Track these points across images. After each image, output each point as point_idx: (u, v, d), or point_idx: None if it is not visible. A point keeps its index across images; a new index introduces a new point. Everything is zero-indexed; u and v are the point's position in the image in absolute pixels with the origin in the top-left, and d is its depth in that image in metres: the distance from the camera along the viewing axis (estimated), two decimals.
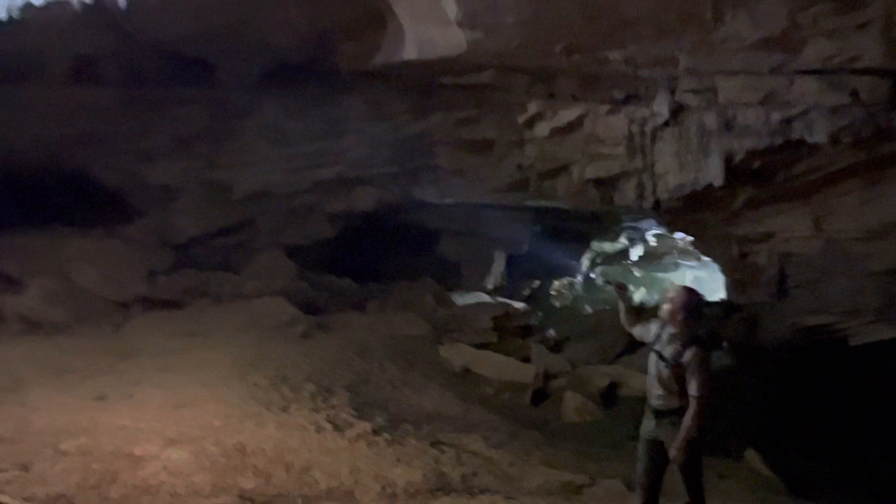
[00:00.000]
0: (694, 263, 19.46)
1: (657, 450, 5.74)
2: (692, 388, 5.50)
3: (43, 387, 8.12)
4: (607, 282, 17.37)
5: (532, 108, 11.26)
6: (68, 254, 11.59)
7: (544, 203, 13.31)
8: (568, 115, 11.01)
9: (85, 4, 9.09)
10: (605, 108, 10.68)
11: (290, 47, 12.55)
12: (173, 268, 12.52)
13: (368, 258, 15.03)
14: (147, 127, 12.86)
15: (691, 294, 5.80)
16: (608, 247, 19.10)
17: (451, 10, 8.69)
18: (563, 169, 11.94)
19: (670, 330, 5.68)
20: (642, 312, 6.21)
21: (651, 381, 5.75)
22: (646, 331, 5.92)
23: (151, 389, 8.15)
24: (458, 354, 11.41)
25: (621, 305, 6.13)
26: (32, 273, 11.16)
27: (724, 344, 12.70)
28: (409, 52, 10.29)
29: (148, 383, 8.39)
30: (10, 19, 9.14)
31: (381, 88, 12.72)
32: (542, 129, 11.35)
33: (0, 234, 11.62)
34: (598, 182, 11.53)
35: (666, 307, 5.70)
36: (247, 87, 13.14)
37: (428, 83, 12.05)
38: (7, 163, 12.10)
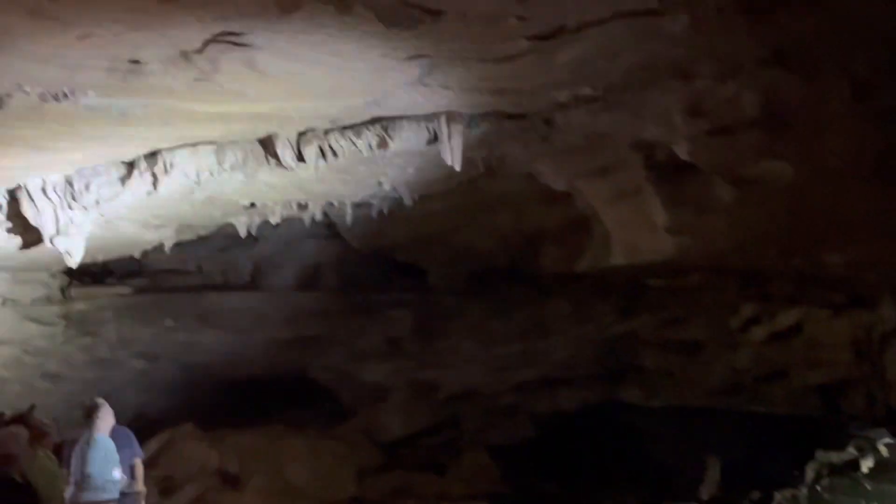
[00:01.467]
0: None
1: None
2: None
3: None
4: None
5: (746, 311, 10.91)
6: (283, 452, 11.96)
7: (760, 408, 12.59)
8: (785, 318, 10.59)
9: (314, 220, 9.81)
10: (827, 312, 10.18)
11: (496, 252, 12.97)
12: (382, 468, 12.65)
13: (573, 462, 14.58)
14: (361, 329, 13.45)
15: None
16: (834, 457, 17.60)
17: (660, 216, 8.72)
18: (782, 374, 11.33)
19: None
20: None
21: None
22: None
23: None
24: None
25: None
26: (250, 471, 11.57)
27: None
28: (616, 257, 10.32)
29: None
30: (249, 235, 10.04)
31: (586, 290, 12.78)
32: (757, 332, 10.95)
33: (222, 432, 12.22)
34: (821, 389, 10.83)
35: None
36: (454, 289, 13.61)
37: (634, 285, 11.99)
38: (234, 365, 12.93)
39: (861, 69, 6.36)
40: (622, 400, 14.00)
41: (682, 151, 7.45)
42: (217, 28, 4.84)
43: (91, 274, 11.28)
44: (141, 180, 8.19)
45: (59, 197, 7.83)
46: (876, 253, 8.43)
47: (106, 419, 6.94)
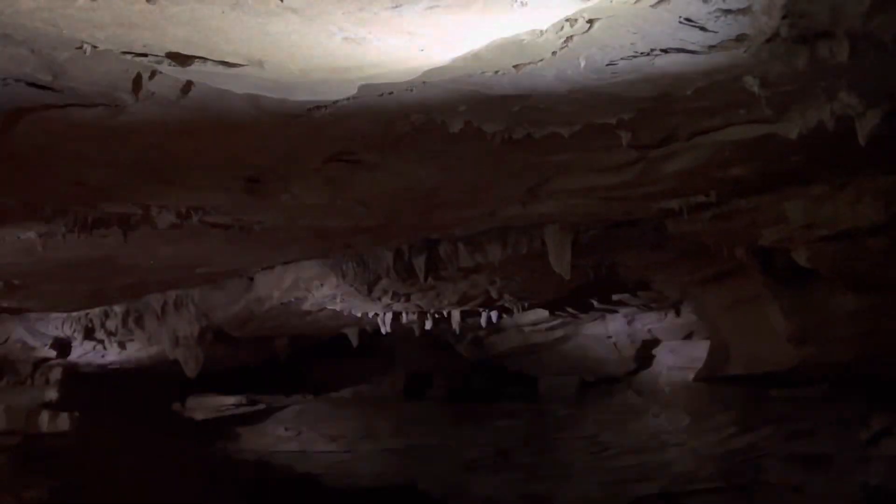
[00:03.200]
0: None
1: None
2: None
3: None
4: None
5: (875, 422, 10.31)
6: None
7: None
8: None
9: (424, 330, 9.88)
10: None
11: (609, 359, 12.71)
12: None
13: None
14: (471, 439, 13.27)
15: None
16: None
17: (780, 325, 8.42)
18: None
19: None
20: None
21: None
22: None
23: None
24: None
25: None
26: None
27: None
28: (735, 367, 9.99)
29: None
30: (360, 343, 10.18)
31: (704, 400, 12.33)
32: (889, 445, 10.29)
33: None
34: None
35: None
36: (565, 399, 13.36)
37: (755, 395, 11.53)
38: (344, 475, 12.95)
39: None
40: None
41: (800, 258, 7.22)
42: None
43: (208, 384, 11.59)
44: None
45: None
46: None
47: None
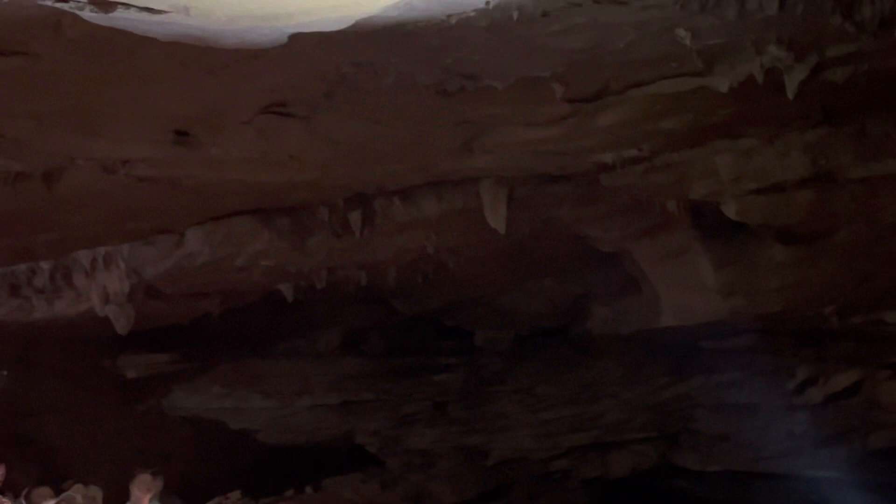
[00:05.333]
0: None
1: None
2: None
3: None
4: None
5: (802, 372, 10.63)
6: None
7: (822, 472, 12.16)
8: (843, 380, 10.28)
9: (360, 286, 9.84)
10: (886, 372, 9.88)
11: (544, 314, 12.85)
12: None
13: None
14: (407, 393, 13.33)
15: None
16: None
17: (710, 277, 8.57)
18: (842, 437, 10.96)
19: None
20: None
21: None
22: None
23: None
24: None
25: None
26: None
27: None
28: (667, 319, 10.14)
29: None
30: (295, 300, 10.08)
31: (636, 352, 12.57)
32: (814, 394, 10.63)
33: (269, 500, 12.12)
34: (883, 452, 10.45)
35: None
36: (501, 352, 13.49)
37: (686, 346, 11.76)
38: (281, 431, 12.93)
39: None
40: (677, 465, 13.64)
41: (730, 211, 7.35)
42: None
43: (139, 341, 11.39)
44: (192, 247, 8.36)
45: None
46: None
47: (146, 489, 6.94)
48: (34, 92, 4.42)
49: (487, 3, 3.59)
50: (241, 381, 12.66)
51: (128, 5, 3.30)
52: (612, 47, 4.40)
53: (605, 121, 5.95)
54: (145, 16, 3.41)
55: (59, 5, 3.27)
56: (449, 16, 3.71)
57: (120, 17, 3.42)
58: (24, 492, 7.26)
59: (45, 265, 8.93)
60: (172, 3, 3.31)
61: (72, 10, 3.34)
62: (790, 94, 5.08)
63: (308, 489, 12.86)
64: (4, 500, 7.05)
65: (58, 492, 7.06)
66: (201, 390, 12.63)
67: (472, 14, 3.71)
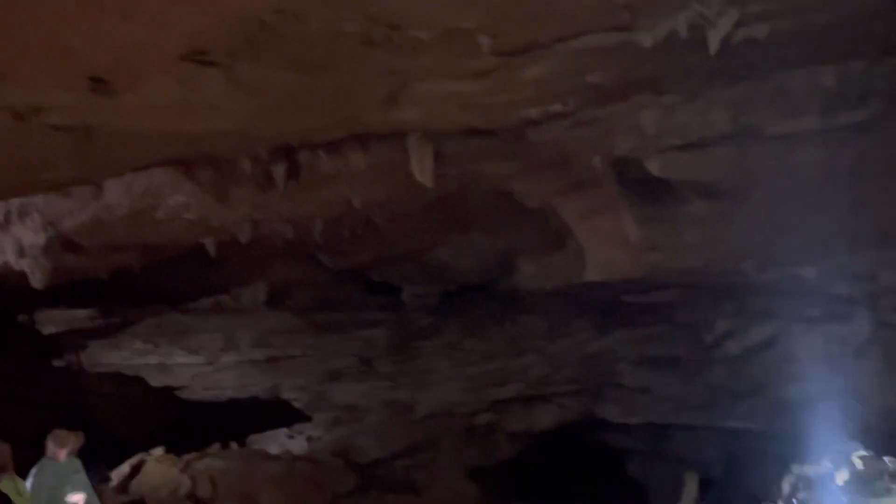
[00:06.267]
0: None
1: None
2: None
3: None
4: None
5: (720, 326, 10.90)
6: (256, 476, 11.80)
7: (738, 423, 12.56)
8: (759, 333, 10.58)
9: (286, 240, 9.72)
10: (800, 325, 10.18)
11: (471, 269, 12.89)
12: (357, 490, 12.50)
13: (551, 480, 14.50)
14: (334, 349, 13.30)
15: None
16: (810, 470, 17.64)
17: (633, 232, 8.68)
18: (758, 388, 11.31)
19: None
20: None
21: None
22: None
23: None
24: None
25: None
26: (222, 495, 11.40)
27: None
28: (591, 273, 10.26)
29: None
30: (219, 255, 9.92)
31: (561, 307, 12.73)
32: (732, 347, 10.92)
33: (194, 455, 12.06)
34: (797, 403, 10.80)
35: None
36: (429, 308, 13.53)
37: (609, 301, 11.96)
38: (205, 387, 12.81)
39: (829, 81, 6.39)
40: (600, 417, 13.94)
41: (653, 167, 7.44)
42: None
43: (58, 297, 11.11)
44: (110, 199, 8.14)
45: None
46: (849, 265, 8.44)
47: (62, 443, 6.83)
48: None
49: None
50: (164, 337, 12.48)
51: None
52: (538, 0, 4.38)
53: (530, 75, 5.94)
54: None
55: None
56: None
57: None
58: None
59: None
60: None
61: None
62: (712, 50, 5.13)
63: (233, 444, 12.84)
64: None
65: None
66: (123, 346, 12.42)
67: None
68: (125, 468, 11.57)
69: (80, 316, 11.74)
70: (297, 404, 13.75)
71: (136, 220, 8.45)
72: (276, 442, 13.82)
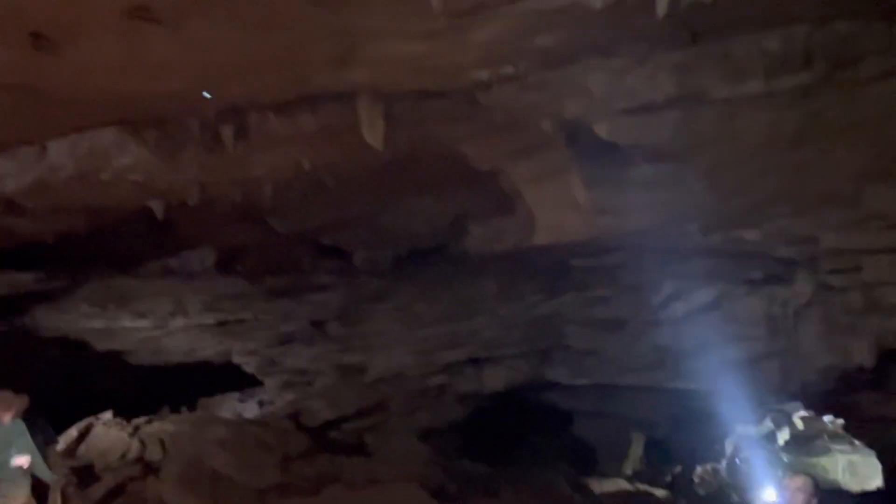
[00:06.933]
0: (847, 447, 18.12)
1: None
2: None
3: None
4: None
5: (666, 288, 11.08)
6: (207, 440, 11.77)
7: (683, 384, 12.83)
8: (704, 295, 10.79)
9: (234, 204, 9.64)
10: (744, 288, 10.41)
11: (422, 233, 12.91)
12: (308, 453, 12.53)
13: (501, 441, 14.71)
14: (285, 313, 13.27)
15: (815, 485, 5.79)
16: (752, 430, 18.12)
17: (582, 196, 8.77)
18: (702, 349, 11.55)
19: None
20: None
21: None
22: None
23: None
24: None
25: None
26: (173, 458, 11.35)
27: None
28: (540, 237, 10.36)
29: None
30: (167, 218, 9.82)
31: (511, 270, 12.83)
32: (677, 309, 11.12)
33: (143, 420, 11.99)
34: (739, 363, 11.07)
35: (800, 498, 5.67)
36: (380, 272, 13.54)
37: (558, 264, 12.08)
38: (153, 352, 12.72)
39: (773, 46, 6.49)
40: (549, 379, 14.13)
41: (601, 130, 7.50)
42: None
43: (2, 260, 10.92)
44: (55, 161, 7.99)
45: None
46: (791, 228, 8.63)
47: (7, 406, 6.78)
48: None
49: None
50: (111, 302, 12.33)
51: None
52: None
53: (480, 37, 5.95)
54: None
55: None
56: None
57: None
58: None
59: None
60: None
61: None
62: (660, 13, 5.18)
63: (183, 409, 12.79)
64: None
65: None
66: (69, 310, 12.26)
67: None
68: (73, 432, 11.46)
69: (25, 279, 11.52)
70: (247, 368, 13.72)
71: (81, 182, 8.31)
72: (228, 406, 13.81)
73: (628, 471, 15.38)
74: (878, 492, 12.66)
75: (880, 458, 12.48)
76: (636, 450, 15.67)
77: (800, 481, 5.91)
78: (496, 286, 13.25)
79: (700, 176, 8.05)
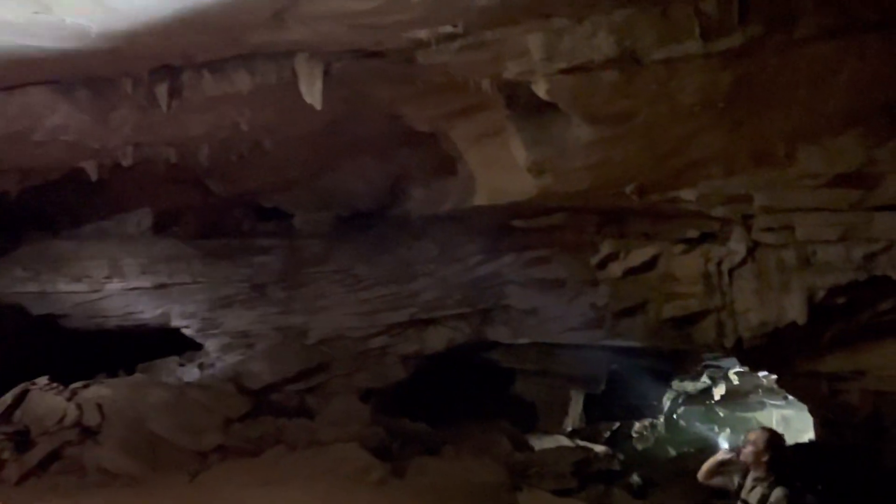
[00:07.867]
0: (780, 402, 18.75)
1: None
2: None
3: None
4: None
5: (604, 248, 11.23)
6: (146, 403, 11.68)
7: (621, 342, 13.06)
8: (641, 254, 10.95)
9: (170, 165, 9.51)
10: (680, 247, 10.59)
11: (363, 195, 12.90)
12: (249, 414, 12.52)
13: (442, 400, 14.84)
14: (225, 276, 13.15)
15: (774, 435, 5.88)
16: (689, 386, 18.62)
17: (521, 157, 8.81)
18: (639, 308, 11.76)
19: (754, 474, 5.68)
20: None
21: None
22: (728, 481, 5.93)
23: None
24: (537, 502, 11.01)
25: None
26: (111, 423, 11.25)
27: (818, 487, 12.04)
28: (480, 198, 10.42)
29: None
30: (101, 180, 9.65)
31: (452, 231, 12.87)
32: (615, 268, 11.28)
33: (81, 384, 11.85)
34: (676, 321, 11.30)
35: (748, 450, 5.76)
36: (321, 234, 13.49)
37: (499, 225, 12.15)
38: (89, 316, 12.52)
39: (709, 7, 6.57)
40: (489, 339, 14.26)
41: (540, 90, 7.53)
42: None
43: None
44: None
45: None
46: (726, 188, 8.78)
47: None
48: None
49: None
50: (45, 265, 12.09)
51: None
52: None
53: None
54: None
55: None
56: None
57: None
58: None
59: None
60: None
61: None
62: None
63: (121, 373, 12.65)
64: None
65: None
66: (2, 274, 12.01)
67: None
68: (7, 398, 11.27)
69: None
70: (187, 332, 13.59)
71: (11, 142, 8.12)
72: (168, 370, 13.66)
73: (568, 428, 15.66)
74: (810, 443, 13.12)
75: (812, 411, 12.90)
76: (576, 407, 15.95)
77: (753, 435, 5.93)
78: (437, 248, 13.29)
79: (637, 137, 8.13)
